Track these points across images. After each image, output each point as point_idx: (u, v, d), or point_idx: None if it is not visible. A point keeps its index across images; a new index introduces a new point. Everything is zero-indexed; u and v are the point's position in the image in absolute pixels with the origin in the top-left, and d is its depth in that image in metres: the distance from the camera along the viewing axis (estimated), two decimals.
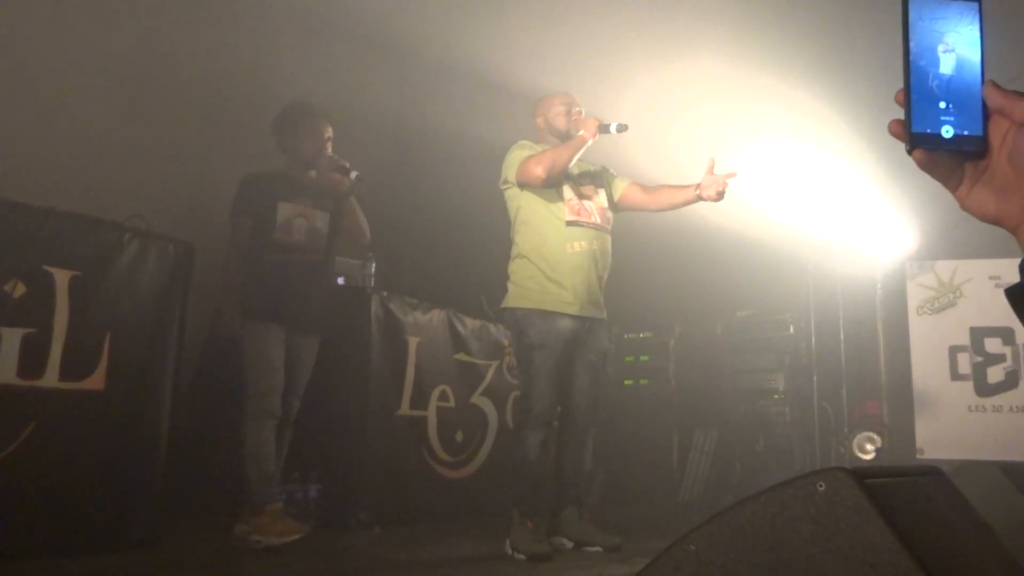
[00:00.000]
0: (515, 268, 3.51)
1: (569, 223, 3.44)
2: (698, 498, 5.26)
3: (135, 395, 2.96)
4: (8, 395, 2.58)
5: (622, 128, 3.36)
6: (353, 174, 3.62)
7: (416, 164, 5.58)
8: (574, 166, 3.47)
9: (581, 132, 3.36)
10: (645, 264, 5.43)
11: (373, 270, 4.30)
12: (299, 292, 3.48)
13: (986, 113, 0.74)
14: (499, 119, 4.57)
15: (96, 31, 4.07)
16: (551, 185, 3.41)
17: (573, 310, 3.38)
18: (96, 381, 2.81)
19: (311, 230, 3.57)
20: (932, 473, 1.41)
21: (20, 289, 2.63)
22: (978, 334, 5.46)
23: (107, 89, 4.07)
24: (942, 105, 0.74)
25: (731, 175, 3.37)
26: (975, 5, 0.76)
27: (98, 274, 2.86)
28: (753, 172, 4.36)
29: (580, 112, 3.54)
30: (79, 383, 2.76)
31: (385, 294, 4.07)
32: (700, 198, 3.39)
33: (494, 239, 5.11)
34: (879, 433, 5.32)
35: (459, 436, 4.35)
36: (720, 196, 3.35)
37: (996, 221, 0.75)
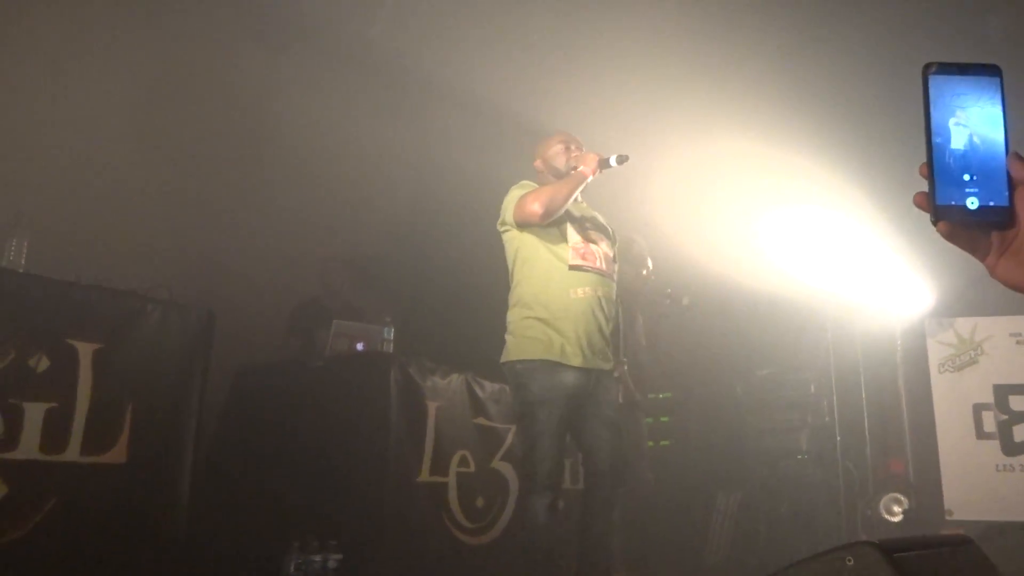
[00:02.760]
0: (513, 317, 3.25)
1: (572, 267, 3.18)
2: (723, 561, 5.15)
3: (156, 466, 2.96)
4: (31, 470, 2.59)
5: (623, 159, 3.15)
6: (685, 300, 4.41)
7: (432, 227, 5.65)
8: (579, 209, 3.32)
9: (580, 168, 3.18)
10: (665, 324, 5.43)
11: (392, 335, 4.32)
12: None
13: (1011, 184, 0.75)
14: (518, 176, 4.64)
15: (115, 99, 4.20)
16: (548, 223, 3.17)
17: (577, 362, 3.10)
18: (118, 454, 2.82)
19: None
20: (961, 543, 1.39)
21: (44, 363, 2.66)
22: (1002, 391, 5.40)
23: (128, 154, 4.18)
24: (966, 177, 0.75)
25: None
26: (996, 80, 0.78)
27: (120, 345, 2.89)
28: (772, 236, 4.39)
29: (579, 149, 3.39)
30: (101, 456, 2.77)
31: (404, 359, 4.08)
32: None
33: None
34: (905, 493, 5.22)
35: (480, 502, 4.30)
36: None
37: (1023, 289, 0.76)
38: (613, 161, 3.15)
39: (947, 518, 5.12)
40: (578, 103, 5.03)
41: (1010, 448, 5.33)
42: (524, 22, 4.93)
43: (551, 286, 3.17)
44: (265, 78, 4.93)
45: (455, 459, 4.18)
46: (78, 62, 4.14)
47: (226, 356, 3.66)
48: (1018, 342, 5.41)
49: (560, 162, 3.37)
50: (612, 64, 5.05)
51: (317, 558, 3.55)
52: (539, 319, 3.14)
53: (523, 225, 3.22)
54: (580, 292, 3.16)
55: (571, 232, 3.25)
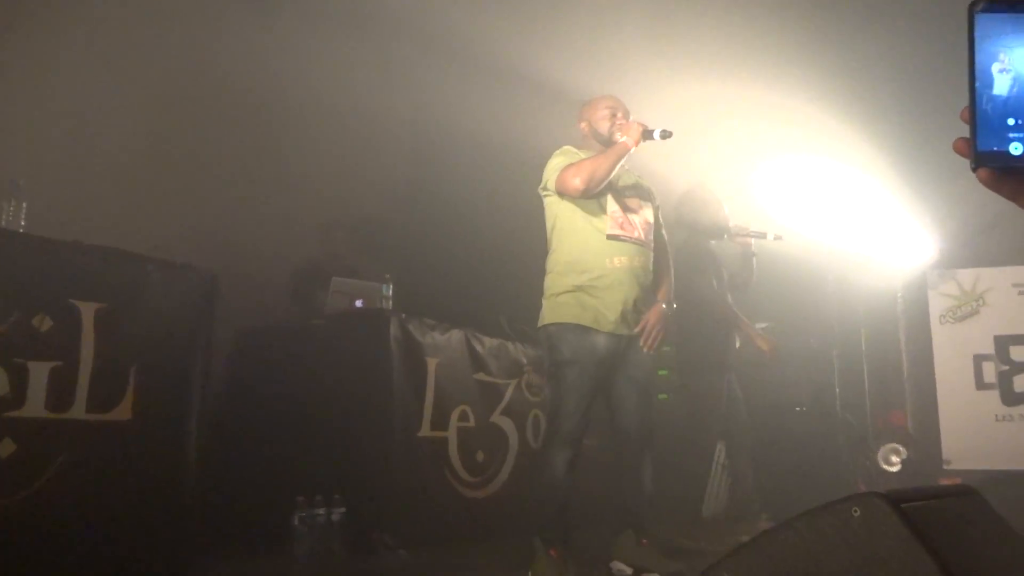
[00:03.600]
0: (550, 282, 3.32)
1: (610, 236, 3.23)
2: (721, 512, 5.21)
3: (161, 425, 2.97)
4: (38, 428, 2.60)
5: (666, 135, 3.12)
6: (771, 235, 4.42)
7: (431, 184, 5.61)
8: (620, 176, 3.30)
9: (623, 138, 3.14)
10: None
11: (391, 292, 4.32)
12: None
13: None
14: (519, 132, 4.58)
15: (116, 62, 4.14)
16: (590, 196, 3.20)
17: (609, 327, 3.20)
18: (123, 412, 2.82)
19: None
20: (966, 493, 1.40)
21: (47, 323, 2.65)
22: (1003, 342, 5.42)
23: (127, 119, 4.13)
24: (1011, 122, 0.72)
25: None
26: None
27: (123, 306, 2.88)
28: (772, 185, 4.39)
29: (625, 117, 3.35)
30: (106, 414, 2.78)
31: (404, 316, 4.08)
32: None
33: (511, 256, 5.13)
34: (904, 444, 5.26)
35: (480, 456, 4.34)
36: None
37: None
38: (657, 135, 3.13)
39: (944, 467, 5.18)
40: (575, 48, 4.96)
41: (1010, 398, 5.36)
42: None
43: (588, 254, 3.23)
44: (262, 39, 4.84)
45: (455, 414, 4.21)
46: (78, 28, 4.07)
47: (229, 317, 3.66)
48: (1020, 293, 5.41)
49: (604, 128, 3.36)
50: (610, 4, 4.96)
51: (321, 511, 3.59)
52: (576, 286, 3.22)
53: (563, 195, 3.26)
54: (617, 261, 3.22)
55: (610, 201, 3.28)
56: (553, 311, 3.26)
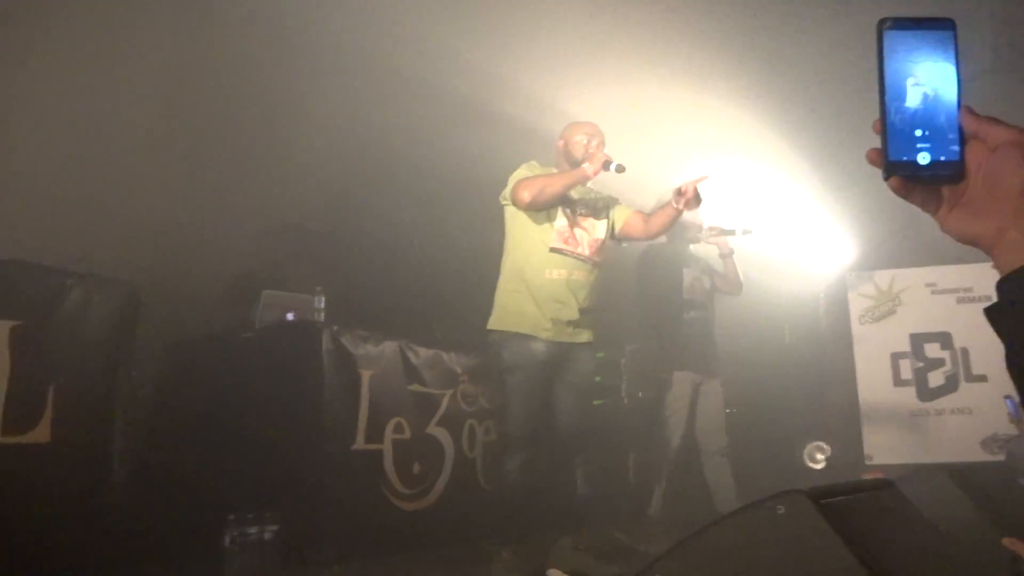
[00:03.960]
0: (498, 287, 3.51)
1: (553, 249, 3.41)
2: (659, 513, 5.28)
3: (83, 446, 2.88)
4: None
5: (620, 169, 3.31)
6: (740, 231, 4.39)
7: (363, 193, 5.56)
8: (577, 192, 3.48)
9: (584, 165, 3.31)
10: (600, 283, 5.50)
11: (323, 304, 4.26)
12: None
13: (963, 138, 0.76)
14: (450, 141, 4.59)
15: (33, 68, 3.99)
16: (537, 210, 3.38)
17: (547, 335, 3.35)
18: (41, 434, 2.72)
19: (704, 291, 4.44)
20: (884, 487, 1.45)
21: None
22: (918, 340, 5.65)
23: (41, 126, 3.98)
24: (918, 133, 0.75)
25: (702, 178, 3.32)
26: (950, 34, 0.77)
27: (41, 322, 2.78)
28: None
29: (600, 146, 3.49)
30: (23, 436, 2.67)
31: (336, 328, 4.03)
32: (679, 210, 3.34)
33: (445, 265, 5.13)
34: (828, 441, 5.44)
35: (416, 468, 4.31)
36: (695, 201, 3.26)
37: (972, 242, 0.78)
38: (612, 167, 3.30)
39: (867, 463, 5.36)
40: (510, 53, 4.98)
41: (925, 394, 5.60)
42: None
43: (530, 264, 3.42)
44: (189, 44, 4.73)
45: (390, 426, 4.17)
46: None
47: (156, 331, 3.56)
48: (933, 292, 5.66)
49: (577, 151, 3.50)
50: (544, 9, 5.01)
51: (253, 530, 3.51)
52: (520, 293, 3.41)
53: (515, 205, 3.43)
54: (555, 273, 3.40)
55: (559, 216, 3.45)
56: (498, 317, 3.45)
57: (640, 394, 5.71)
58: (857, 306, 5.80)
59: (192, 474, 3.72)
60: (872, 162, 0.78)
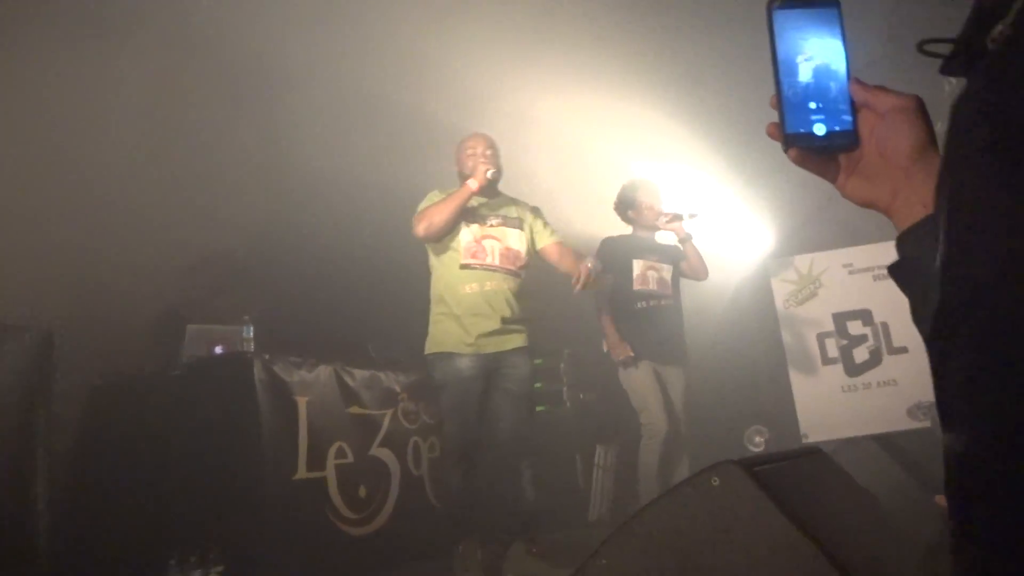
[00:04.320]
0: (430, 313, 3.66)
1: (463, 266, 3.53)
2: (607, 513, 5.33)
3: (3, 495, 2.74)
4: None
5: (495, 176, 3.51)
6: (687, 215, 4.39)
7: (286, 216, 5.47)
8: (484, 205, 3.60)
9: (468, 181, 3.47)
10: (529, 291, 5.52)
11: (252, 333, 4.17)
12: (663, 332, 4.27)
13: (854, 108, 0.80)
14: (375, 162, 4.57)
15: None
16: (436, 239, 3.53)
17: (471, 350, 3.48)
18: None
19: (661, 280, 4.39)
20: (812, 453, 1.50)
21: None
22: (841, 319, 5.84)
23: None
24: (812, 105, 0.79)
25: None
26: (835, 11, 0.81)
27: None
28: (613, 209, 4.63)
29: (489, 157, 3.61)
30: None
31: (267, 357, 3.95)
32: (584, 282, 3.50)
33: (375, 285, 5.07)
34: (765, 424, 5.56)
35: (362, 491, 4.25)
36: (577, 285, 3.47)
37: (871, 205, 0.82)
38: (490, 174, 3.48)
39: (804, 441, 5.51)
40: (442, 70, 4.99)
41: (852, 370, 5.78)
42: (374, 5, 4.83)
43: (447, 284, 3.57)
44: (105, 70, 4.57)
45: (332, 451, 4.11)
46: None
47: (77, 375, 3.43)
48: (850, 272, 5.87)
49: (466, 167, 3.65)
50: (475, 23, 5.03)
51: (197, 573, 3.40)
52: (443, 314, 3.57)
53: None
54: (468, 288, 3.52)
55: (464, 232, 3.56)
56: (429, 341, 3.62)
57: (582, 396, 5.76)
58: (780, 291, 5.98)
59: (127, 519, 3.59)
60: (771, 136, 0.82)
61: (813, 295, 5.92)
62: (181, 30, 4.73)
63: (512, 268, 3.62)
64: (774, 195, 5.80)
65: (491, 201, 3.65)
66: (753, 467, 1.17)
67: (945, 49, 0.74)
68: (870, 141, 0.80)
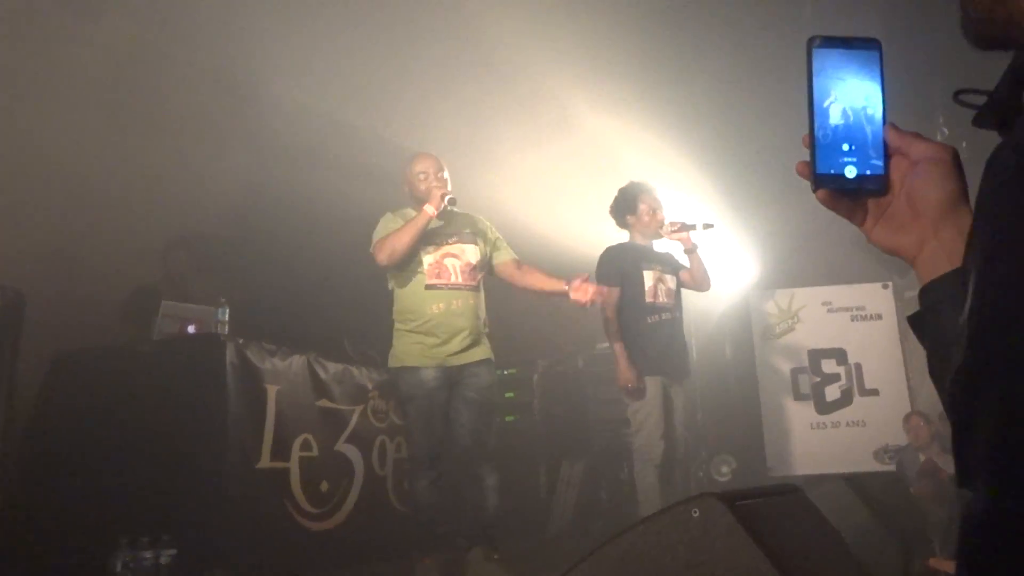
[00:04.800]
0: (394, 328, 3.73)
1: (428, 287, 3.62)
2: (568, 527, 5.31)
3: None
4: None
5: (452, 202, 3.55)
6: (700, 225, 4.23)
7: (269, 200, 5.43)
8: (442, 221, 3.66)
9: (425, 207, 3.52)
10: (506, 302, 5.51)
11: (227, 316, 4.11)
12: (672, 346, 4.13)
13: (887, 153, 0.78)
14: (356, 158, 4.55)
15: None
16: (398, 266, 3.60)
17: (435, 363, 3.57)
18: None
19: (669, 292, 4.22)
20: (791, 491, 1.49)
21: None
22: (815, 356, 5.89)
23: None
24: (845, 147, 0.78)
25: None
26: (876, 54, 0.80)
27: None
28: (609, 212, 4.53)
29: (441, 174, 3.67)
30: None
31: (241, 341, 3.89)
32: (568, 296, 3.61)
33: (354, 278, 5.04)
34: (732, 454, 5.58)
35: (324, 486, 4.19)
36: (587, 304, 3.60)
37: (896, 252, 0.80)
38: (447, 200, 3.54)
39: (769, 474, 5.53)
40: (405, 77, 4.99)
41: (823, 407, 5.83)
42: (345, 20, 4.84)
43: (412, 304, 3.64)
44: (87, 49, 4.53)
45: (297, 443, 4.05)
46: None
47: (43, 341, 3.36)
48: (828, 310, 5.92)
49: (419, 188, 3.67)
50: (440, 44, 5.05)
51: (148, 554, 3.32)
52: (409, 330, 3.64)
53: None
54: (435, 308, 3.61)
55: (428, 252, 3.65)
56: (392, 357, 3.71)
57: (552, 409, 5.75)
58: (759, 323, 6.01)
59: (80, 495, 3.51)
60: (801, 174, 0.80)
61: (791, 330, 5.96)
62: (171, 12, 4.70)
63: (473, 283, 3.72)
64: (761, 227, 5.84)
65: (445, 219, 3.71)
66: (734, 502, 1.15)
67: (977, 99, 0.73)
68: (901, 188, 0.79)
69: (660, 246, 4.42)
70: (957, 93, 0.75)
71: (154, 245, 4.77)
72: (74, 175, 4.38)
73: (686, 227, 4.28)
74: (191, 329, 4.02)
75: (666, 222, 4.30)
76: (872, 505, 2.71)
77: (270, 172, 5.45)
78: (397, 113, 4.99)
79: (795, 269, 6.03)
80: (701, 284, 4.39)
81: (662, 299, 4.22)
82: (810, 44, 0.80)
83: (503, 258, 3.86)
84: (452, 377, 3.63)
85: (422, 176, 3.68)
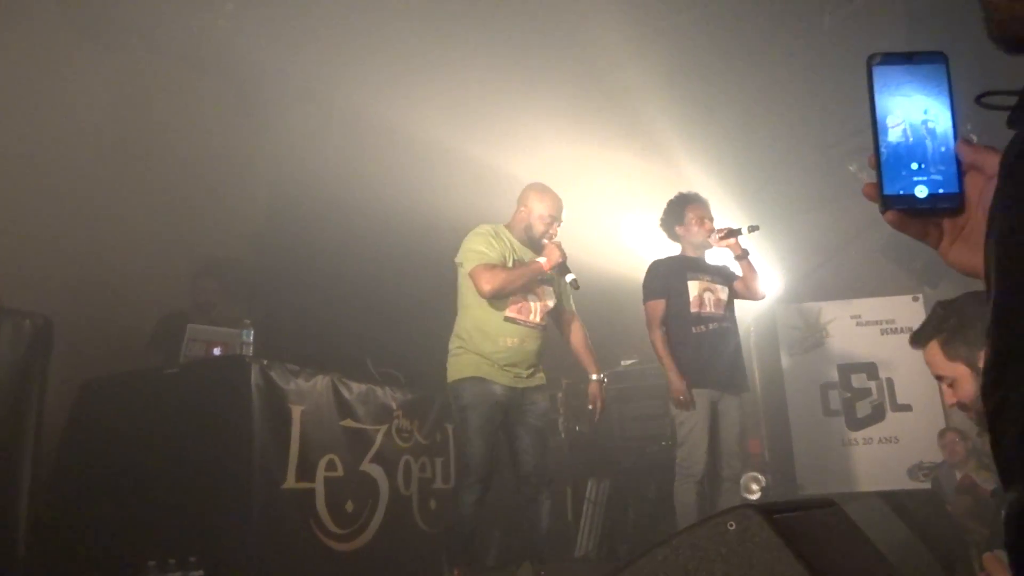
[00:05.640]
0: (453, 345, 3.69)
1: (507, 319, 3.61)
2: (595, 548, 5.24)
3: None
4: None
5: (575, 284, 3.64)
6: (745, 228, 4.18)
7: (291, 228, 5.47)
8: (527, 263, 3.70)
9: (542, 259, 3.60)
10: None
11: (252, 338, 4.13)
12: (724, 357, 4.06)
13: (961, 170, 0.75)
14: (380, 177, 4.58)
15: None
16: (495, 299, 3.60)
17: (504, 382, 3.58)
18: None
19: (718, 302, 4.15)
20: (828, 505, 1.45)
21: None
22: (845, 371, 5.79)
23: None
24: (914, 166, 0.75)
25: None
26: (942, 67, 0.77)
27: None
28: (634, 231, 4.54)
29: (558, 224, 3.73)
30: None
31: (265, 362, 3.90)
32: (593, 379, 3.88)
33: (377, 298, 5.05)
34: (762, 471, 5.48)
35: (349, 506, 4.17)
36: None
37: (976, 274, 0.75)
38: (571, 281, 3.66)
39: (799, 492, 5.43)
40: (440, 103, 5.02)
41: (853, 423, 5.72)
42: (379, 27, 4.88)
43: (486, 331, 3.60)
44: (119, 78, 4.62)
45: (322, 463, 4.04)
46: None
47: (72, 367, 3.39)
48: (858, 324, 5.83)
49: (539, 228, 3.71)
50: (477, 64, 5.08)
51: None
52: (474, 352, 3.60)
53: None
54: (509, 342, 3.60)
55: None
56: (455, 369, 3.64)
57: (577, 428, 5.70)
58: (786, 337, 5.93)
59: (109, 518, 3.52)
60: (869, 196, 0.78)
61: (819, 344, 5.87)
62: (195, 41, 4.78)
63: (545, 324, 3.78)
64: (785, 239, 5.78)
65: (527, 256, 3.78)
66: (772, 514, 1.12)
67: (1002, 101, 0.70)
68: (978, 205, 0.75)
69: (712, 258, 4.36)
70: (980, 97, 0.72)
71: (181, 271, 4.82)
72: (101, 204, 4.45)
73: (732, 232, 4.21)
74: (217, 351, 4.04)
75: (714, 230, 4.24)
76: (910, 522, 2.64)
77: (291, 197, 5.51)
78: (426, 142, 5.02)
79: (822, 282, 5.95)
80: (754, 292, 4.30)
81: (709, 309, 4.13)
82: (870, 62, 0.78)
83: (567, 308, 3.92)
84: (515, 399, 3.63)
85: (547, 220, 3.72)
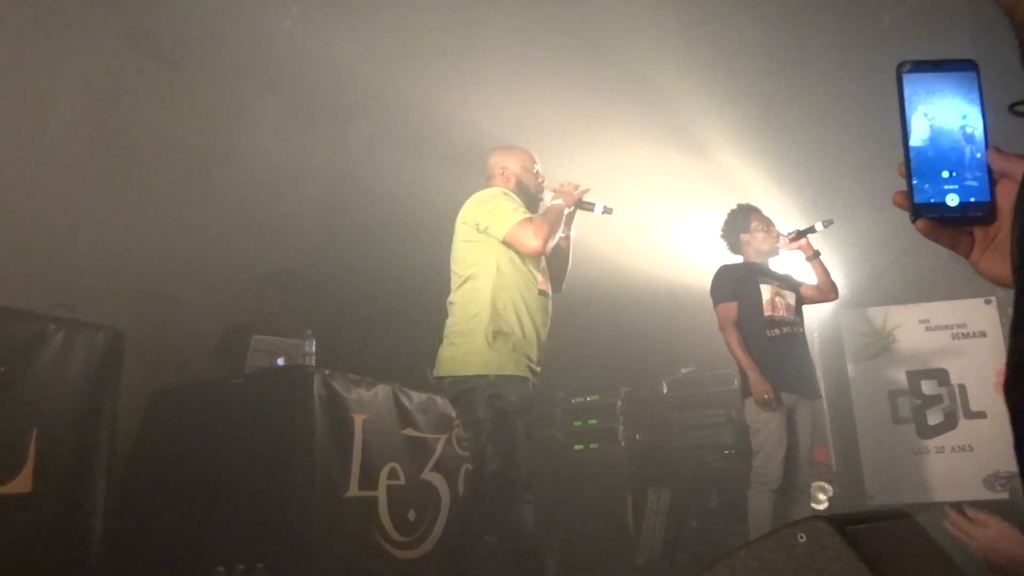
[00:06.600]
0: (472, 325, 3.05)
1: (541, 292, 3.17)
2: (656, 559, 5.18)
3: (64, 496, 2.79)
4: None
5: (608, 210, 3.24)
6: (819, 224, 4.11)
7: (351, 234, 5.55)
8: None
9: (558, 200, 3.14)
10: (588, 327, 5.46)
11: (314, 348, 4.20)
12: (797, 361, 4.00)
13: (992, 178, 0.74)
14: (440, 186, 4.61)
15: (12, 107, 3.98)
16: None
17: (530, 375, 3.10)
18: (22, 483, 2.63)
19: (788, 307, 4.09)
20: (902, 516, 1.40)
21: None
22: (915, 377, 5.61)
23: (27, 162, 3.95)
24: (945, 174, 0.74)
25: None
26: (972, 75, 0.76)
27: (22, 369, 2.72)
28: (693, 237, 4.46)
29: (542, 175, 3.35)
30: (4, 486, 2.58)
31: (327, 372, 3.97)
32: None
33: (435, 307, 5.08)
34: (829, 481, 5.35)
35: (411, 515, 4.21)
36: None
37: (1006, 284, 0.74)
38: (599, 208, 3.24)
39: (868, 503, 5.28)
40: (494, 112, 5.04)
41: (924, 432, 5.54)
42: (430, 32, 4.92)
43: (519, 308, 3.07)
44: (178, 92, 4.76)
45: (384, 472, 4.09)
46: None
47: (141, 377, 3.50)
48: (927, 328, 5.64)
49: (532, 183, 3.30)
50: (528, 70, 5.10)
51: None
52: (505, 334, 3.04)
53: (511, 246, 3.08)
54: (539, 318, 3.14)
55: (541, 258, 3.20)
56: (492, 361, 3.00)
57: (637, 436, 5.65)
58: (851, 343, 5.78)
59: (179, 525, 3.62)
60: (899, 205, 0.77)
61: (885, 350, 5.70)
62: (253, 60, 4.89)
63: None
64: (849, 243, 5.64)
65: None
66: (844, 526, 1.09)
67: None
68: (1008, 214, 0.73)
69: (776, 266, 4.30)
70: (1013, 105, 0.70)
71: (244, 283, 4.93)
72: (169, 220, 4.59)
73: (802, 232, 4.13)
74: (280, 362, 4.13)
75: (782, 235, 4.18)
76: None
77: (349, 207, 5.59)
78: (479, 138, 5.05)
79: (888, 286, 5.78)
80: (827, 293, 4.22)
81: (781, 312, 4.06)
82: (900, 70, 0.77)
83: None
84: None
85: (532, 169, 3.32)
